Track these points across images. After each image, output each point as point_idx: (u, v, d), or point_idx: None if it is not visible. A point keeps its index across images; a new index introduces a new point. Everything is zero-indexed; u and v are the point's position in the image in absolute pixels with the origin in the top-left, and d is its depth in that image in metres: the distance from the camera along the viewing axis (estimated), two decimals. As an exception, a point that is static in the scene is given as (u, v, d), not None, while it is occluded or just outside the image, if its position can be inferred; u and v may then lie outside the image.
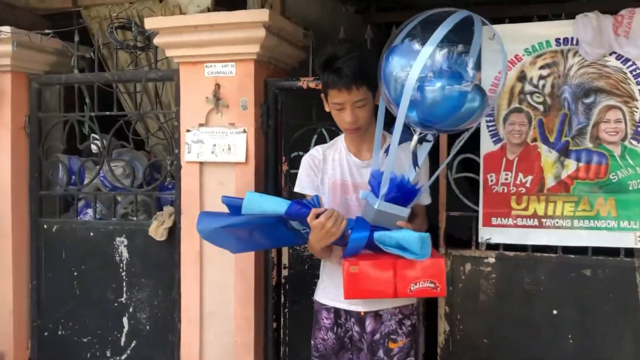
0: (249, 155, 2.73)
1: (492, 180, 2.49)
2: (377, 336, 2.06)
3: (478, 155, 2.52)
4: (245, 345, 2.77)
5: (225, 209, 2.12)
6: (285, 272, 2.85)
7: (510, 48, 2.40)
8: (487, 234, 2.51)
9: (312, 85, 2.69)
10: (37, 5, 3.68)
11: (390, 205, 1.91)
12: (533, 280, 2.49)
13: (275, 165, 2.83)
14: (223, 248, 2.27)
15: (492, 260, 2.53)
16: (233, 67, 2.73)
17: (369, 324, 2.07)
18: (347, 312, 2.09)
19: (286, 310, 2.85)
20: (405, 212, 1.93)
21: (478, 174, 2.52)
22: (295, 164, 2.84)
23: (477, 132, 2.50)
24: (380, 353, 2.05)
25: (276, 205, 1.96)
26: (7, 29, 3.04)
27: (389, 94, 1.91)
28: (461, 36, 1.85)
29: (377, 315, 2.07)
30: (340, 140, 2.15)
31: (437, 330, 2.63)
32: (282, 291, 2.86)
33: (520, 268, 2.51)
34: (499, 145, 2.48)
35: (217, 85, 2.74)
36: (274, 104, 2.81)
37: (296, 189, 2.19)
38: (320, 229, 1.86)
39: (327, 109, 2.08)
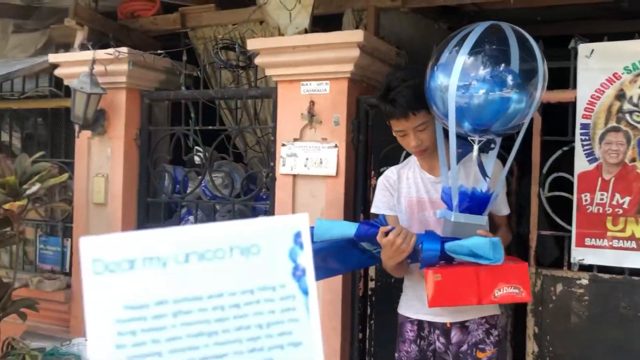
0: (339, 169, 2.83)
1: (586, 200, 2.44)
2: (465, 347, 2.06)
3: (571, 174, 2.48)
4: (332, 353, 2.86)
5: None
6: (371, 284, 2.92)
7: (609, 66, 2.36)
8: (580, 254, 2.45)
9: (403, 102, 2.76)
10: (150, 27, 4.00)
11: (466, 215, 1.91)
12: (630, 304, 2.40)
13: (364, 179, 2.92)
14: None
15: (585, 281, 2.47)
16: (327, 85, 2.85)
17: (455, 335, 2.07)
18: (430, 324, 2.11)
19: (372, 321, 2.91)
20: (483, 220, 1.93)
21: (570, 192, 2.48)
22: (384, 178, 2.92)
23: (571, 150, 2.47)
24: None
25: (346, 228, 2.00)
26: (124, 49, 3.34)
27: (436, 109, 1.94)
28: (523, 47, 1.87)
29: (463, 326, 2.06)
30: (414, 160, 2.19)
31: (525, 351, 2.59)
32: (369, 303, 2.92)
33: (616, 291, 2.43)
34: (595, 164, 2.43)
35: (312, 102, 2.87)
36: (365, 120, 2.90)
37: (373, 210, 2.24)
38: (391, 246, 1.89)
39: (394, 133, 2.12)
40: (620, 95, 2.39)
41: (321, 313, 2.47)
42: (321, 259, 2.15)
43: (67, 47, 3.82)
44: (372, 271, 2.92)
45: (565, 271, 2.51)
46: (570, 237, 2.48)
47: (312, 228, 2.02)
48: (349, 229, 1.99)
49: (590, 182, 2.43)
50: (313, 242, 2.01)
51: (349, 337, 2.92)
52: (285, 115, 2.97)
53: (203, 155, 3.33)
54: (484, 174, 1.98)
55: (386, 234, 1.91)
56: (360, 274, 2.90)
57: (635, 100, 2.37)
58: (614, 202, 2.40)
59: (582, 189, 2.45)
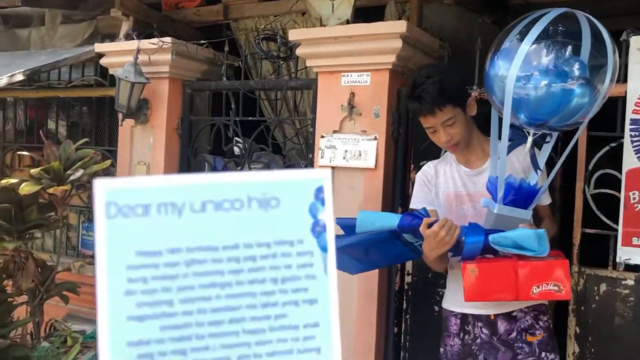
0: (378, 161, 2.81)
1: (634, 198, 2.36)
2: (514, 334, 2.03)
3: (619, 170, 2.40)
4: (367, 346, 2.84)
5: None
6: (408, 279, 2.89)
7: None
8: (627, 254, 2.37)
9: (445, 95, 2.72)
10: (193, 18, 4.05)
11: (510, 209, 1.87)
12: (678, 307, 2.32)
13: (403, 172, 2.89)
14: (342, 270, 2.29)
15: (631, 282, 2.39)
16: (368, 76, 2.83)
17: (502, 325, 2.04)
18: (474, 316, 2.08)
19: (408, 316, 2.89)
20: (527, 214, 1.88)
21: (616, 190, 2.40)
22: (424, 172, 2.89)
23: (620, 147, 2.39)
24: (519, 344, 2.02)
25: (388, 220, 2.00)
26: (168, 39, 3.39)
27: (494, 96, 1.89)
28: (596, 39, 1.78)
29: (509, 316, 2.04)
30: (449, 154, 2.19)
31: (566, 351, 2.53)
32: (405, 297, 2.90)
33: (662, 294, 2.35)
34: (644, 161, 2.35)
35: (352, 94, 2.86)
36: (405, 112, 2.87)
37: (412, 206, 2.23)
38: (434, 237, 1.88)
39: (425, 131, 2.12)
40: (674, 90, 2.30)
41: (357, 307, 2.47)
42: (363, 251, 2.16)
43: (112, 37, 3.90)
44: (408, 265, 2.89)
45: (609, 271, 2.43)
46: (615, 236, 2.40)
47: (354, 220, 2.03)
48: (392, 220, 1.98)
49: (639, 179, 2.35)
50: (355, 233, 2.02)
51: (384, 332, 2.90)
52: (324, 106, 2.97)
53: (242, 146, 3.35)
54: (536, 166, 1.93)
55: (430, 225, 1.89)
56: (397, 268, 2.88)
57: (689, 95, 2.28)
58: (664, 201, 2.32)
59: (631, 187, 2.37)
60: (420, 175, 2.23)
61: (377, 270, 2.81)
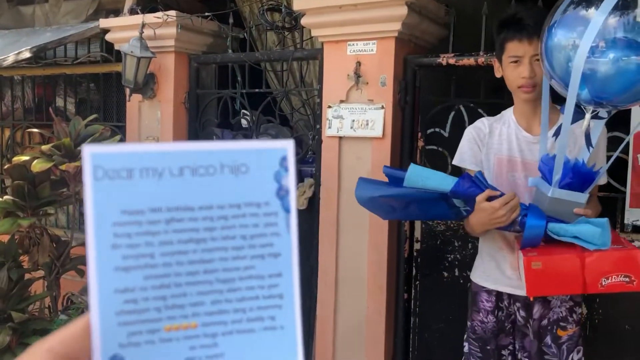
0: (386, 130, 2.82)
1: (645, 162, 2.37)
2: (545, 322, 1.94)
3: (626, 133, 2.40)
4: (377, 311, 2.90)
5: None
6: (417, 246, 2.93)
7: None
8: (634, 216, 2.40)
9: (451, 61, 2.72)
10: (197, -9, 4.04)
11: (567, 192, 1.73)
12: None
13: (411, 141, 2.90)
14: (375, 214, 2.20)
15: (639, 243, 2.42)
16: (374, 45, 2.83)
17: (537, 310, 1.94)
18: (511, 296, 1.97)
19: (417, 282, 2.93)
20: (583, 197, 1.74)
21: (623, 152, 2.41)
22: (431, 140, 2.90)
23: (627, 110, 2.39)
24: (548, 339, 1.93)
25: (442, 181, 1.84)
26: (172, 13, 3.38)
27: (552, 70, 1.69)
28: None
29: (545, 300, 1.93)
30: (509, 113, 2.00)
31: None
32: (414, 264, 2.94)
33: (670, 254, 2.37)
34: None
35: (358, 63, 2.86)
36: (412, 80, 2.87)
37: (455, 162, 2.08)
38: (490, 213, 1.74)
39: (497, 74, 1.99)
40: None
41: (367, 272, 2.47)
42: (404, 204, 1.97)
43: (117, 12, 3.89)
44: (417, 232, 2.93)
45: (617, 233, 2.45)
46: (623, 199, 2.42)
47: (404, 172, 1.88)
48: (446, 182, 1.83)
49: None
50: (403, 186, 1.86)
51: (394, 298, 2.95)
52: (331, 76, 2.97)
53: (250, 118, 3.37)
54: (589, 143, 1.77)
55: (490, 199, 1.75)
56: (406, 235, 2.92)
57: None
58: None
59: (639, 149, 2.37)
60: (471, 131, 2.03)
61: (386, 238, 2.85)
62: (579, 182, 1.74)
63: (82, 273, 3.25)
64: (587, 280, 1.69)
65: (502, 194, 1.76)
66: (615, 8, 1.54)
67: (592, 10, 1.56)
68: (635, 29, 1.55)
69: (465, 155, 2.03)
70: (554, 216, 1.76)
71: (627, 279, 1.67)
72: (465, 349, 2.10)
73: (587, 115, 1.68)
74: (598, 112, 1.71)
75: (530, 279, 1.72)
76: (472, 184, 1.80)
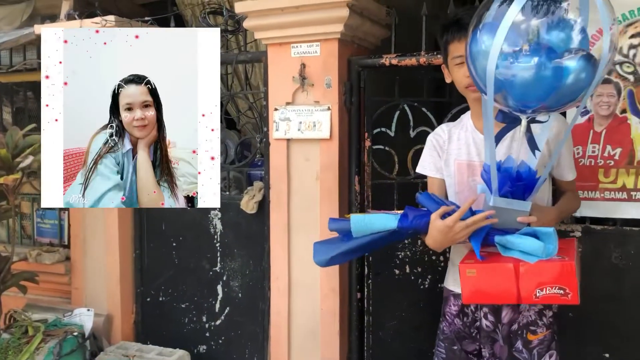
0: (333, 131, 2.83)
1: (578, 153, 2.46)
2: (515, 327, 1.92)
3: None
4: (331, 313, 2.90)
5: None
6: (368, 245, 2.94)
7: (598, 17, 2.33)
8: (573, 207, 2.48)
9: (394, 62, 2.75)
10: (136, -5, 3.95)
11: (508, 201, 1.70)
12: (622, 254, 2.44)
13: (358, 141, 2.92)
14: (339, 264, 2.26)
15: (578, 234, 2.50)
16: (318, 46, 2.83)
17: (506, 314, 1.92)
18: None
19: (369, 281, 2.95)
20: (525, 205, 1.71)
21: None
22: (377, 140, 2.92)
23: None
24: (519, 344, 1.91)
25: (386, 221, 1.85)
26: (111, 18, 3.29)
27: (477, 78, 1.63)
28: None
29: (514, 305, 1.90)
30: (467, 117, 2.00)
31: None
32: (366, 263, 2.95)
33: (608, 242, 2.46)
34: (586, 117, 2.44)
35: (303, 65, 2.85)
36: (357, 81, 2.89)
37: (418, 170, 2.09)
38: (447, 232, 1.73)
39: (447, 79, 1.98)
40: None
41: (320, 274, 2.45)
42: (362, 247, 1.93)
43: (53, 18, 3.76)
44: (368, 232, 2.94)
45: (558, 224, 2.54)
46: (563, 191, 2.50)
47: (347, 222, 1.89)
48: (391, 221, 1.84)
49: (582, 135, 2.44)
50: (353, 238, 1.87)
51: (347, 297, 2.96)
52: (276, 79, 2.95)
53: (196, 123, 3.31)
54: (533, 148, 1.72)
55: (446, 214, 1.73)
56: (357, 235, 2.93)
57: (625, 50, 2.37)
58: (606, 154, 2.42)
59: (574, 142, 2.45)
60: (431, 138, 2.04)
61: (337, 239, 2.86)
62: (520, 189, 1.72)
63: (25, 289, 3.13)
64: (521, 291, 1.68)
65: (456, 208, 1.74)
66: (535, 12, 1.50)
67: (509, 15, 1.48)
68: (552, 33, 1.51)
69: (425, 163, 2.05)
70: (501, 226, 1.75)
71: (561, 291, 1.65)
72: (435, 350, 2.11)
73: (523, 122, 1.66)
74: (535, 117, 1.68)
75: (465, 286, 1.72)
76: (416, 215, 1.81)
